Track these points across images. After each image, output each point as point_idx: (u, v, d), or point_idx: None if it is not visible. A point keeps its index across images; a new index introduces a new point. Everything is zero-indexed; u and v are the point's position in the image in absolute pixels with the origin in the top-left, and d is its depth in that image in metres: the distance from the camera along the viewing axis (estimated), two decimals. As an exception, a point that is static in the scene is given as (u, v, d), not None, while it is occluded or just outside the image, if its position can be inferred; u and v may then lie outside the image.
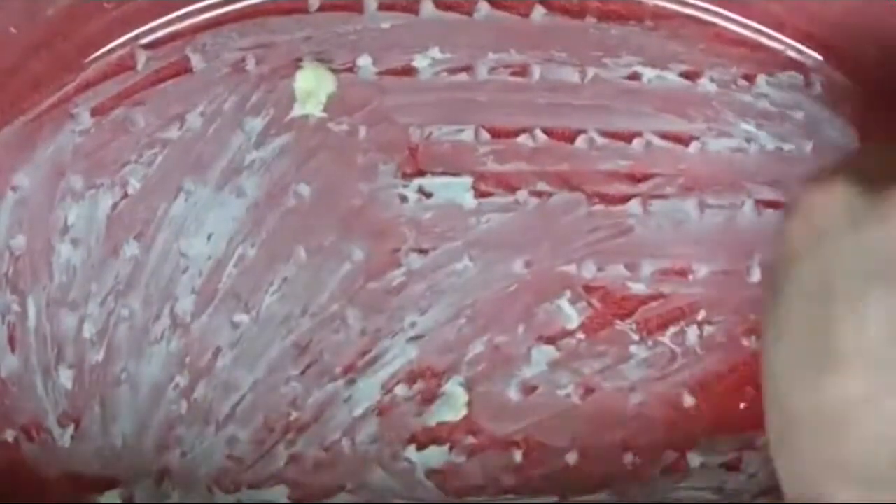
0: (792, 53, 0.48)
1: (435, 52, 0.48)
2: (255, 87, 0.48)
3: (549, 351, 0.48)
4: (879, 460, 0.36)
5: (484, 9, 0.48)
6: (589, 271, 0.48)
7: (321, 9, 0.48)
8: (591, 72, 0.48)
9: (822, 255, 0.38)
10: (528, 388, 0.48)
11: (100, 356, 0.48)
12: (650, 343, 0.48)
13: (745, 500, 0.48)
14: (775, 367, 0.39)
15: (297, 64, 0.48)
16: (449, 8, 0.48)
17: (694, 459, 0.48)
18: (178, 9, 0.48)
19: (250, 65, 0.48)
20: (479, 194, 0.48)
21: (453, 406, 0.48)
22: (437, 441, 0.48)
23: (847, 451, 0.37)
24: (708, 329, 0.48)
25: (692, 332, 0.48)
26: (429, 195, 0.48)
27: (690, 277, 0.48)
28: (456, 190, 0.48)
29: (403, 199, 0.48)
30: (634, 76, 0.48)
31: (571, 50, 0.48)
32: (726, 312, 0.48)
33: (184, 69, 0.48)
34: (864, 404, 0.36)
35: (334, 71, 0.48)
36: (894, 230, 0.37)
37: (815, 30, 0.47)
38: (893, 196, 0.37)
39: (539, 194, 0.48)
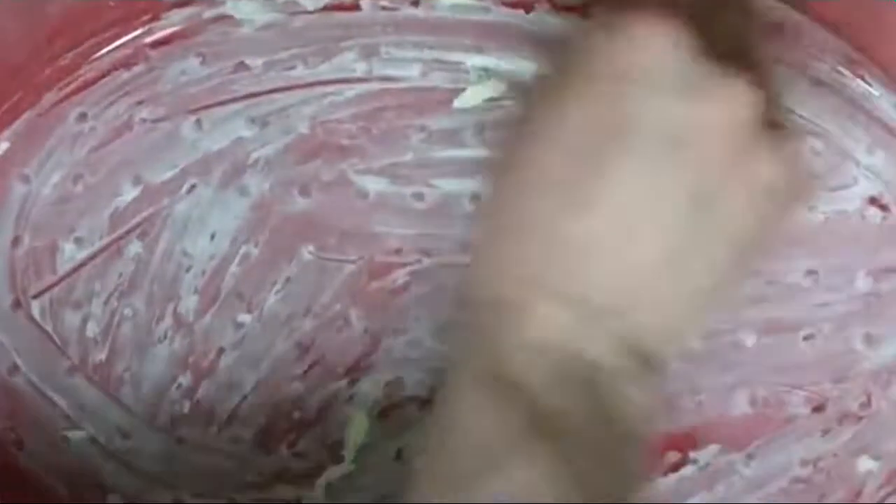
0: (797, 54, 0.48)
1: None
2: (259, 85, 0.48)
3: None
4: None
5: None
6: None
7: (324, 9, 0.48)
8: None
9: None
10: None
11: (103, 356, 0.48)
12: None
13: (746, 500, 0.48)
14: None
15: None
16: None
17: (696, 460, 0.48)
18: (179, 7, 0.47)
19: (253, 63, 0.48)
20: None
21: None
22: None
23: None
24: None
25: (695, 334, 0.48)
26: (433, 196, 0.48)
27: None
28: (459, 191, 0.48)
29: (408, 199, 0.48)
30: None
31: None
32: (726, 314, 0.48)
33: (186, 68, 0.48)
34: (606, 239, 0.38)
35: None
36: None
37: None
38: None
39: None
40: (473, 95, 0.47)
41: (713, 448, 0.48)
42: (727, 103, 0.37)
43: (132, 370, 0.48)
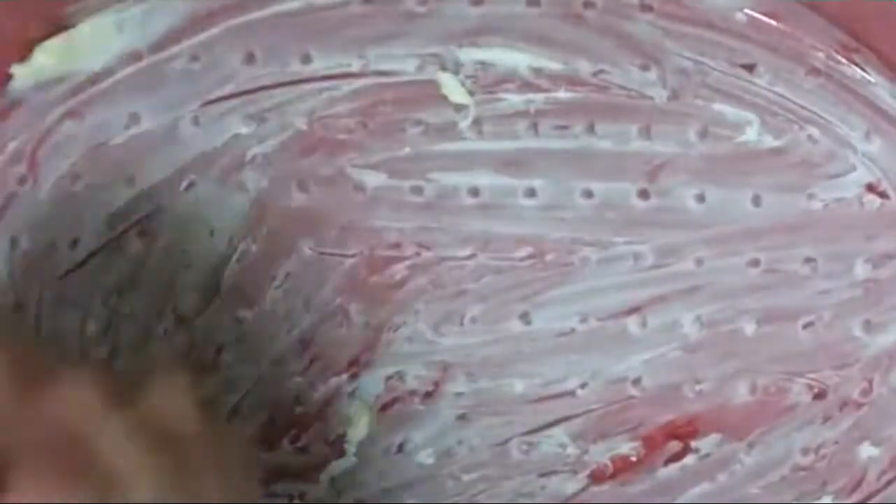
0: (793, 43, 0.48)
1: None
2: (255, 82, 0.48)
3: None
4: None
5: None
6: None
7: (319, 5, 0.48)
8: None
9: None
10: (532, 381, 0.49)
11: (103, 355, 0.48)
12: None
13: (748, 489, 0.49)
14: None
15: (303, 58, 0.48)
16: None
17: (697, 450, 0.48)
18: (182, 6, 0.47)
19: (257, 60, 0.48)
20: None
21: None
22: (441, 434, 0.49)
23: None
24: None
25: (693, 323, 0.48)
26: (431, 189, 0.48)
27: (691, 267, 0.48)
28: (457, 184, 0.48)
29: (406, 193, 0.48)
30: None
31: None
32: (727, 302, 0.48)
33: (189, 66, 0.48)
34: None
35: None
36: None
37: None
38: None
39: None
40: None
41: (714, 437, 0.48)
42: None
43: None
